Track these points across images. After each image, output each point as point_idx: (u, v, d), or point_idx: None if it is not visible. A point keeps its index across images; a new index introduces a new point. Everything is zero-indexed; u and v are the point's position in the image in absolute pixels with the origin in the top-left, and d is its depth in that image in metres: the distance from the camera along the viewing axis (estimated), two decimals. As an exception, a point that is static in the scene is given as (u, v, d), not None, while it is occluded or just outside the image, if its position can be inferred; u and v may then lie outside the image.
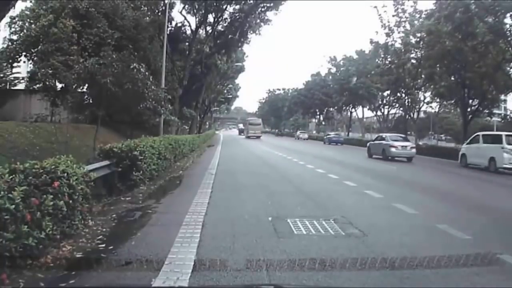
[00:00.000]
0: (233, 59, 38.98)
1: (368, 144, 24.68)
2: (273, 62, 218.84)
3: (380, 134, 25.39)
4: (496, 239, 5.54)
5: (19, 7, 21.02)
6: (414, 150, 21.58)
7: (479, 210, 8.01)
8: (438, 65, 29.64)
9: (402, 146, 21.31)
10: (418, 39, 33.41)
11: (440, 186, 12.18)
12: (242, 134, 66.30)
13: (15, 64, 21.92)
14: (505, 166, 16.07)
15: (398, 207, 7.59)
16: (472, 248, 4.98)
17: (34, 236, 3.65)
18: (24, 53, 20.84)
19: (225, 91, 58.01)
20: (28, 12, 21.22)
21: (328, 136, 47.34)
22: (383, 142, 22.20)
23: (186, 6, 29.72)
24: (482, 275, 4.06)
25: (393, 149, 20.95)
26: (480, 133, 19.54)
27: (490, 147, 16.98)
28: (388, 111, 49.54)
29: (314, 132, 73.37)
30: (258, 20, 30.48)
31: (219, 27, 31.47)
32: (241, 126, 79.26)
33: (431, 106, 44.58)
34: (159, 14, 26.76)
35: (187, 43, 30.93)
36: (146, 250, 4.55)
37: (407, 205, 7.68)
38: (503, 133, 17.45)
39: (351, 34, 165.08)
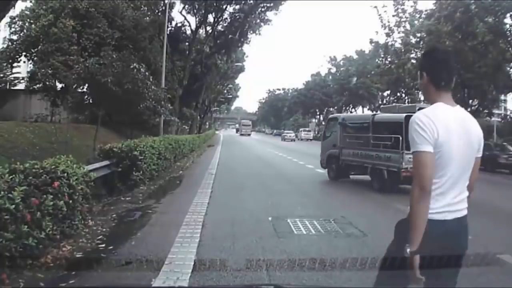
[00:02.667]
0: (233, 59, 38.99)
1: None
2: (273, 62, 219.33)
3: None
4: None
5: (19, 7, 21.08)
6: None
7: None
8: (438, 65, 29.64)
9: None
10: (418, 39, 33.38)
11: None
12: (238, 132, 78.87)
13: (15, 64, 21.97)
14: None
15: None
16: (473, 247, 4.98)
17: (34, 236, 3.65)
18: (24, 53, 20.88)
19: (225, 91, 58.02)
20: (28, 12, 21.26)
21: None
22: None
23: (186, 6, 29.72)
24: (482, 275, 4.06)
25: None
26: None
27: None
28: (388, 111, 49.52)
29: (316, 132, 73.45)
30: (258, 20, 30.50)
31: (219, 27, 31.49)
32: (237, 126, 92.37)
33: (431, 106, 44.60)
34: (159, 14, 26.77)
35: (187, 43, 30.94)
36: (146, 250, 4.55)
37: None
38: None
39: (351, 34, 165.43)
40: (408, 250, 1.96)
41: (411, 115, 2.07)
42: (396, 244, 2.11)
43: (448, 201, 1.98)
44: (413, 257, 1.95)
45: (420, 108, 2.27)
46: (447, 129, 1.93)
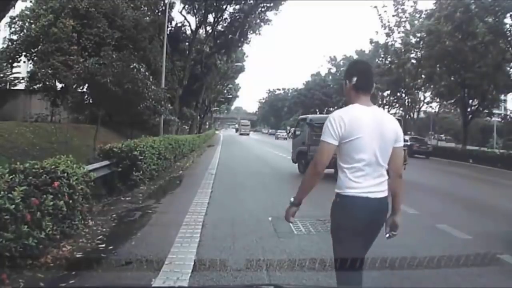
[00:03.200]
0: (233, 59, 38.99)
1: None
2: (273, 62, 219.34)
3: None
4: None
5: (19, 7, 21.08)
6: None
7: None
8: (438, 65, 29.66)
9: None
10: (418, 39, 33.42)
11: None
12: (238, 132, 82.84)
13: (15, 64, 21.96)
14: None
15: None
16: (472, 247, 4.99)
17: (34, 236, 3.65)
18: (24, 53, 20.87)
19: (225, 91, 58.04)
20: (28, 12, 21.26)
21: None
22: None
23: (186, 6, 29.72)
24: (482, 275, 4.06)
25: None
26: None
27: None
28: (388, 111, 49.54)
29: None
30: (258, 20, 30.50)
31: (219, 27, 31.48)
32: (237, 126, 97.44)
33: (431, 106, 44.65)
34: (159, 14, 26.77)
35: (187, 43, 30.94)
36: (146, 250, 4.55)
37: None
38: None
39: (351, 34, 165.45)
40: (291, 199, 2.63)
41: None
42: (331, 224, 2.65)
43: (368, 183, 2.38)
44: (291, 206, 2.63)
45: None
46: (359, 124, 2.37)
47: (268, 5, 29.67)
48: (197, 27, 30.87)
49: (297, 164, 13.38)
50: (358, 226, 2.41)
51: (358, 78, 2.49)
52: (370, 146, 2.38)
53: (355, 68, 2.62)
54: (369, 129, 2.38)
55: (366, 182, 2.39)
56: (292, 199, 2.62)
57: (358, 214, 2.39)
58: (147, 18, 25.71)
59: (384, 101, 49.31)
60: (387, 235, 2.67)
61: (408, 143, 22.59)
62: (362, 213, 2.39)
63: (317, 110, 78.24)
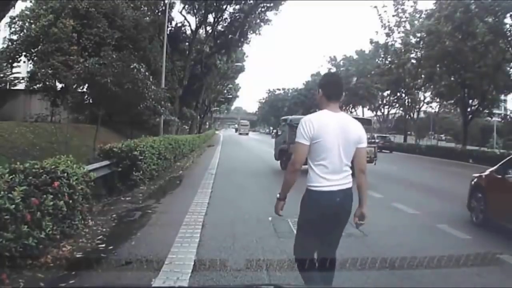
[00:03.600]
0: (233, 59, 38.96)
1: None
2: (273, 62, 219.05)
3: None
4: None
5: (19, 7, 21.09)
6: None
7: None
8: (438, 65, 29.65)
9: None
10: (418, 39, 33.44)
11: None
12: (237, 131, 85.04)
13: (15, 64, 21.97)
14: None
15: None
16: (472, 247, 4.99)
17: (34, 236, 3.65)
18: (24, 53, 20.88)
19: (225, 91, 58.03)
20: (28, 12, 21.27)
21: None
22: None
23: (186, 6, 29.70)
24: (482, 275, 4.06)
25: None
26: None
27: None
28: (388, 111, 49.60)
29: None
30: (258, 20, 30.48)
31: (219, 27, 31.47)
32: (236, 126, 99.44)
33: (431, 106, 44.68)
34: (159, 14, 26.77)
35: (187, 43, 30.92)
36: (146, 250, 4.55)
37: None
38: None
39: (351, 34, 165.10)
40: (277, 195, 2.98)
41: None
42: (299, 213, 2.93)
43: (333, 178, 2.77)
44: (278, 201, 2.98)
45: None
46: (326, 128, 2.75)
47: (268, 5, 29.65)
48: (197, 27, 30.86)
49: (279, 162, 14.42)
50: (323, 213, 2.78)
51: (328, 88, 2.91)
52: (335, 146, 2.77)
53: (326, 80, 3.08)
54: (334, 132, 2.77)
55: (331, 177, 2.78)
56: (278, 195, 2.98)
57: (323, 204, 2.78)
58: (147, 18, 25.71)
59: (384, 101, 49.37)
60: (355, 224, 3.07)
61: (376, 140, 25.83)
62: (326, 203, 2.78)
63: (317, 110, 78.30)
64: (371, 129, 16.64)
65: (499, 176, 6.37)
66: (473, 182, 7.15)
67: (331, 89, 2.91)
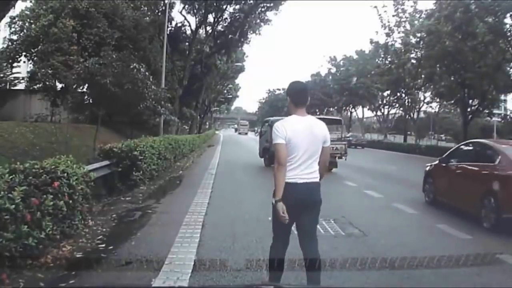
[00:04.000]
0: (233, 59, 38.95)
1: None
2: (273, 62, 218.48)
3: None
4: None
5: (19, 7, 21.07)
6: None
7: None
8: (438, 65, 29.63)
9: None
10: (418, 39, 33.43)
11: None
12: (237, 131, 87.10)
13: (15, 64, 21.97)
14: None
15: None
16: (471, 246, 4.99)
17: (34, 236, 3.65)
18: (24, 53, 20.88)
19: (225, 91, 58.03)
20: (28, 12, 21.26)
21: None
22: None
23: (186, 6, 29.69)
24: (482, 275, 4.06)
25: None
26: None
27: None
28: (388, 111, 49.58)
29: None
30: (258, 20, 30.48)
31: (219, 27, 31.46)
32: (236, 126, 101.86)
33: (431, 106, 44.64)
34: (159, 14, 26.77)
35: (187, 43, 30.91)
36: (146, 250, 4.55)
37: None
38: None
39: (351, 34, 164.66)
40: (273, 200, 3.17)
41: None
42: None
43: (298, 172, 3.18)
44: (277, 203, 3.12)
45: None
46: (295, 130, 3.19)
47: (268, 5, 29.65)
48: (197, 27, 30.85)
49: (263, 159, 15.45)
50: (294, 204, 3.15)
51: (294, 96, 3.34)
52: (304, 146, 3.19)
53: (292, 88, 3.41)
54: (303, 134, 3.20)
55: (301, 172, 3.20)
56: (273, 200, 3.17)
57: (293, 195, 3.15)
58: (147, 18, 25.70)
59: (384, 101, 49.34)
60: None
61: (349, 138, 32.70)
62: (296, 195, 3.16)
63: (317, 110, 78.18)
64: (342, 128, 17.70)
65: (443, 165, 8.10)
66: (426, 170, 8.80)
67: (297, 97, 3.34)
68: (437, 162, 8.59)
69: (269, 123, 15.08)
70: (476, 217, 6.48)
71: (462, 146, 8.70)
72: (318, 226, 5.82)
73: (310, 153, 3.21)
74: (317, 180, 3.28)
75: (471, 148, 8.10)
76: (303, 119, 3.27)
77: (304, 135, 3.20)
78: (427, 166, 8.89)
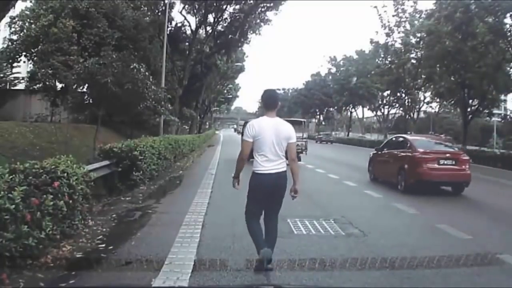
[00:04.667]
0: (233, 59, 38.89)
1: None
2: (273, 62, 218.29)
3: None
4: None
5: (19, 7, 21.05)
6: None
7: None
8: (438, 65, 29.57)
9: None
10: (418, 39, 33.38)
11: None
12: (236, 131, 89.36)
13: (15, 64, 21.94)
14: None
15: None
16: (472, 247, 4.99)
17: (34, 236, 3.65)
18: (24, 53, 20.86)
19: (225, 91, 58.01)
20: (28, 12, 21.23)
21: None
22: None
23: (186, 6, 29.65)
24: (482, 275, 4.07)
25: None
26: None
27: None
28: (388, 111, 49.54)
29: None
30: (258, 20, 30.42)
31: (219, 27, 31.41)
32: (235, 126, 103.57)
33: (431, 106, 44.61)
34: (159, 14, 26.74)
35: (187, 43, 30.87)
36: (146, 250, 4.55)
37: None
38: None
39: (351, 34, 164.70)
40: (232, 175, 4.20)
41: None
42: (248, 188, 4.04)
43: (270, 164, 3.89)
44: (233, 179, 4.20)
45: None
46: (263, 128, 3.90)
47: (268, 5, 29.60)
48: (197, 27, 30.81)
49: None
50: (263, 190, 3.92)
51: (264, 102, 4.15)
52: (270, 142, 3.88)
53: (263, 95, 4.17)
54: (269, 132, 3.89)
55: (268, 164, 3.89)
56: (233, 175, 4.20)
57: (263, 183, 3.91)
58: (147, 18, 25.67)
59: (384, 101, 49.33)
60: (291, 197, 4.06)
61: (321, 136, 48.86)
62: (265, 183, 3.90)
63: (317, 110, 78.26)
64: (305, 128, 20.93)
65: (379, 152, 11.96)
66: (370, 156, 12.59)
67: (266, 102, 4.12)
68: (375, 151, 12.47)
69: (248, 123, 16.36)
70: (395, 184, 10.09)
71: (390, 139, 12.95)
72: (318, 226, 5.90)
73: (277, 147, 3.89)
74: (285, 169, 3.93)
75: (394, 140, 12.19)
76: (271, 120, 3.98)
77: (270, 133, 3.89)
78: (371, 154, 12.66)
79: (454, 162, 9.88)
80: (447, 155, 10.11)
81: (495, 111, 36.72)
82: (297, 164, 4.10)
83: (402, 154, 10.39)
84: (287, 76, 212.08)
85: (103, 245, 4.74)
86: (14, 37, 21.20)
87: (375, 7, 35.92)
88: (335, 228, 5.79)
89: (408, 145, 10.46)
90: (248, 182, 3.98)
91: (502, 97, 33.95)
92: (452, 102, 34.08)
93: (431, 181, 9.55)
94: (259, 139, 3.87)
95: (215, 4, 29.06)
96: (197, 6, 29.47)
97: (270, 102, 4.11)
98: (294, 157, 4.03)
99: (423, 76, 34.95)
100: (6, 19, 18.51)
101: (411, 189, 9.44)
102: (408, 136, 12.07)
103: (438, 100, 39.67)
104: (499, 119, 42.28)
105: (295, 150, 4.07)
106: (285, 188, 3.97)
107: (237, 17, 30.01)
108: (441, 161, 9.78)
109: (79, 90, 14.33)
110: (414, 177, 9.59)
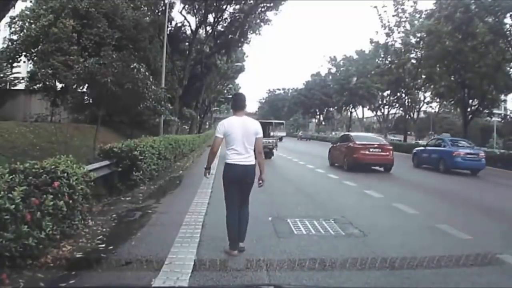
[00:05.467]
0: (233, 59, 38.85)
1: None
2: (273, 62, 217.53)
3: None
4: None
5: (19, 7, 21.04)
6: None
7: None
8: (438, 65, 29.59)
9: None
10: (418, 39, 33.38)
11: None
12: None
13: (15, 64, 21.92)
14: None
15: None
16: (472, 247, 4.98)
17: (34, 236, 3.65)
18: (24, 53, 20.83)
19: (225, 91, 57.93)
20: (28, 12, 21.21)
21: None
22: None
23: (186, 6, 29.63)
24: (482, 275, 4.06)
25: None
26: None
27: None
28: (388, 111, 49.58)
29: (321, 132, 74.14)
30: (258, 20, 30.39)
31: (219, 27, 31.39)
32: None
33: (431, 106, 44.66)
34: (159, 14, 26.72)
35: (187, 43, 30.85)
36: (146, 250, 4.55)
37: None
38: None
39: (351, 34, 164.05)
40: (204, 167, 4.96)
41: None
42: (222, 178, 4.64)
43: (239, 157, 4.48)
44: (205, 170, 4.97)
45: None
46: (232, 126, 4.54)
47: (268, 5, 29.57)
48: (197, 27, 30.78)
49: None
50: (233, 179, 4.51)
51: (233, 104, 4.78)
52: (239, 137, 4.49)
53: (234, 97, 5.02)
54: (238, 129, 4.51)
55: (237, 157, 4.49)
56: (205, 166, 4.95)
57: (233, 173, 4.51)
58: (147, 18, 25.65)
59: (384, 101, 49.35)
60: (258, 185, 4.64)
61: (301, 134, 61.59)
62: (235, 172, 4.50)
63: (317, 110, 78.31)
64: (283, 129, 25.49)
65: (335, 145, 16.96)
66: (329, 149, 17.44)
67: (235, 104, 4.74)
68: (332, 144, 17.85)
69: None
70: (342, 166, 14.98)
71: (342, 136, 18.51)
72: (318, 226, 5.90)
73: (245, 142, 4.47)
74: (253, 163, 4.53)
75: (344, 136, 17.55)
76: (239, 118, 4.60)
77: (239, 130, 4.49)
78: (330, 146, 17.73)
79: (380, 150, 14.59)
80: (375, 145, 14.69)
81: (495, 111, 36.74)
82: (263, 157, 4.65)
83: (346, 145, 15.16)
84: (287, 76, 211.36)
85: (103, 245, 4.74)
86: (14, 37, 21.18)
87: (375, 7, 35.95)
88: (335, 228, 5.79)
89: (351, 138, 15.42)
90: (222, 173, 4.59)
91: (502, 97, 33.98)
92: (452, 102, 34.10)
93: (364, 163, 14.20)
94: (230, 136, 4.49)
95: (215, 4, 29.03)
96: (197, 6, 29.45)
97: (239, 104, 4.71)
98: (261, 150, 4.62)
99: (423, 76, 34.95)
100: (6, 19, 18.51)
101: (351, 169, 14.08)
102: (350, 133, 18.67)
103: (438, 100, 39.69)
104: (499, 119, 42.29)
105: (261, 145, 4.67)
106: (253, 179, 4.53)
107: (237, 17, 29.99)
108: (371, 149, 14.44)
109: (79, 90, 14.32)
110: (353, 160, 14.29)
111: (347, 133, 19.42)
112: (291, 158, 20.46)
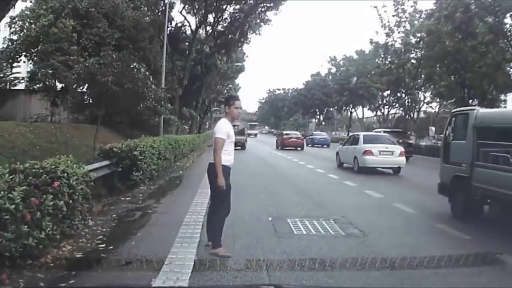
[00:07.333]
0: (233, 59, 38.86)
1: None
2: (273, 62, 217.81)
3: None
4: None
5: (19, 7, 21.01)
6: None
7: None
8: (438, 65, 29.59)
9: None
10: (418, 39, 33.36)
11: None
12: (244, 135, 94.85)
13: (15, 64, 21.90)
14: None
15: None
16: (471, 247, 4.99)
17: (34, 236, 3.65)
18: (24, 53, 20.81)
19: (225, 91, 57.92)
20: (28, 12, 21.19)
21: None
22: None
23: (186, 6, 29.64)
24: (482, 275, 4.07)
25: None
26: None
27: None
28: (388, 111, 49.53)
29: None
30: (258, 20, 30.41)
31: (219, 27, 31.40)
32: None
33: (431, 106, 44.54)
34: (159, 14, 26.73)
35: (187, 43, 30.86)
36: (146, 250, 4.55)
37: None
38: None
39: (351, 34, 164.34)
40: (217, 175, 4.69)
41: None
42: (210, 181, 4.88)
43: (230, 158, 4.78)
44: (218, 177, 4.65)
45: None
46: (231, 128, 4.73)
47: (268, 5, 29.58)
48: (197, 27, 30.78)
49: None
50: (227, 180, 4.80)
51: (226, 103, 5.01)
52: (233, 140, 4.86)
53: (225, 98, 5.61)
54: (232, 131, 4.80)
55: (230, 158, 4.81)
56: (218, 173, 4.69)
57: (227, 174, 4.80)
58: (147, 18, 25.64)
59: (384, 101, 49.32)
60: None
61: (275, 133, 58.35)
62: (228, 173, 4.80)
63: (317, 110, 78.26)
64: (259, 129, 26.76)
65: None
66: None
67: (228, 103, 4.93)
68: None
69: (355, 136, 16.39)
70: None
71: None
72: (318, 226, 5.90)
73: (213, 142, 4.77)
74: (212, 162, 4.78)
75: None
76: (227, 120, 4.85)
77: (232, 132, 4.75)
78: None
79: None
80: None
81: (495, 111, 36.68)
82: (217, 155, 4.68)
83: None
84: (287, 76, 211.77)
85: (103, 245, 4.75)
86: (14, 37, 21.16)
87: (375, 7, 35.94)
88: (335, 228, 5.79)
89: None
90: (209, 175, 4.94)
91: (502, 97, 33.93)
92: (452, 102, 34.08)
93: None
94: (230, 138, 4.76)
95: (215, 4, 29.04)
96: (197, 6, 29.45)
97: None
98: (215, 148, 4.70)
99: (423, 76, 34.95)
100: (6, 19, 18.48)
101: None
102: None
103: (438, 100, 39.64)
104: (499, 119, 42.13)
105: (215, 144, 4.70)
106: (212, 177, 4.75)
107: (237, 17, 29.99)
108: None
109: (79, 90, 14.33)
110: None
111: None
112: (291, 158, 20.43)
